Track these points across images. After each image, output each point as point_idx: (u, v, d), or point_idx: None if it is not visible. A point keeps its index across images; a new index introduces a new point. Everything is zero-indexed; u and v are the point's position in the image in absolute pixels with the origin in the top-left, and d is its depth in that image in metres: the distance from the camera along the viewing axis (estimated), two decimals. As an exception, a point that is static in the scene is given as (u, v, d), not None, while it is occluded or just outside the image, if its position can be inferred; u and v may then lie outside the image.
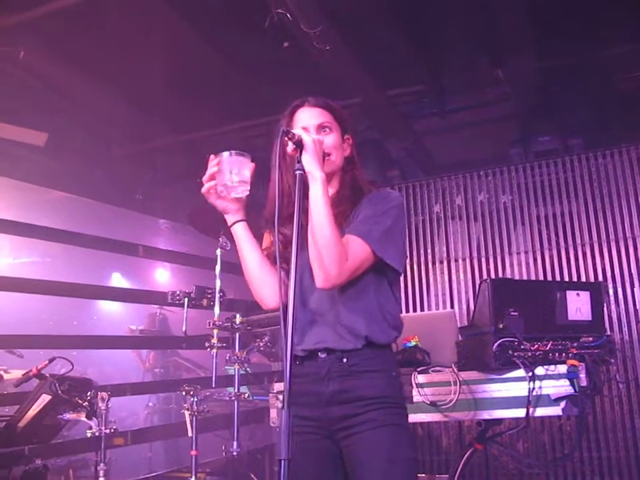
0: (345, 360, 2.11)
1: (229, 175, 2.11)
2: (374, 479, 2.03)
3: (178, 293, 4.51)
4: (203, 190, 2.16)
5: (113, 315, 8.92)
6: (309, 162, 2.03)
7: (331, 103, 2.33)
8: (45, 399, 3.62)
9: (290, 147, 2.07)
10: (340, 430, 2.10)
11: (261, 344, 4.82)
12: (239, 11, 4.67)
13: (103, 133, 6.35)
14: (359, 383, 2.11)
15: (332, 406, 2.11)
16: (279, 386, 3.70)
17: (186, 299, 4.47)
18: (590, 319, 3.38)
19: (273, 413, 3.65)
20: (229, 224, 2.24)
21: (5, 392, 4.53)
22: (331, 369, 2.12)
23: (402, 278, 6.11)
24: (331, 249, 2.03)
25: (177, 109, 5.77)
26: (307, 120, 2.27)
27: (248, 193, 2.16)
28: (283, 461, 1.66)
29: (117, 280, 9.28)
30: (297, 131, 2.07)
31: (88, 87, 5.57)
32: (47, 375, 3.66)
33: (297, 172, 2.00)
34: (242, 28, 4.77)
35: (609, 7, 4.70)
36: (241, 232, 2.24)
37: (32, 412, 3.63)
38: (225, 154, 2.11)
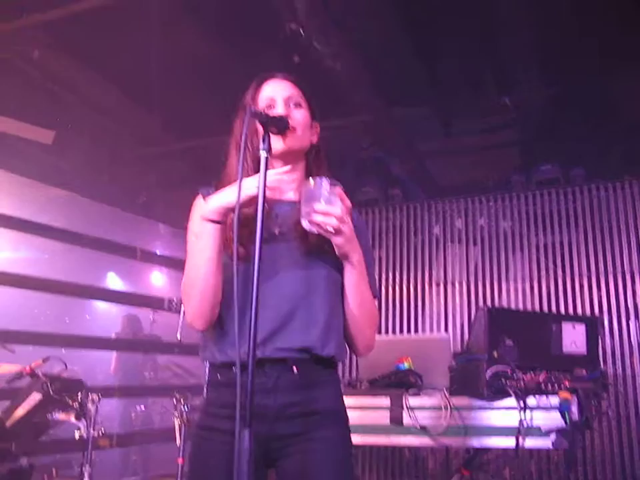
0: (294, 370, 1.85)
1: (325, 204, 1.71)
2: None
3: (175, 300, 4.54)
4: (271, 183, 1.74)
5: (105, 315, 8.89)
6: (346, 242, 1.80)
7: (301, 83, 2.04)
8: (35, 397, 3.63)
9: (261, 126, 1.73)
10: (283, 447, 1.84)
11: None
12: (254, 21, 4.70)
13: (110, 134, 6.37)
14: (311, 395, 1.86)
15: (280, 422, 1.83)
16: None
17: (182, 307, 4.50)
18: (585, 352, 3.39)
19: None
20: (214, 217, 1.80)
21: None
22: (280, 380, 1.83)
23: (397, 298, 6.23)
24: (373, 323, 2.03)
25: (184, 114, 5.78)
26: (275, 91, 1.97)
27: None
28: None
29: (113, 279, 9.27)
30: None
31: (98, 88, 5.61)
32: (40, 374, 3.67)
33: (262, 152, 1.67)
34: (256, 37, 4.80)
35: (618, 34, 4.70)
36: (217, 234, 1.83)
37: (22, 410, 3.64)
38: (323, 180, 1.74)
